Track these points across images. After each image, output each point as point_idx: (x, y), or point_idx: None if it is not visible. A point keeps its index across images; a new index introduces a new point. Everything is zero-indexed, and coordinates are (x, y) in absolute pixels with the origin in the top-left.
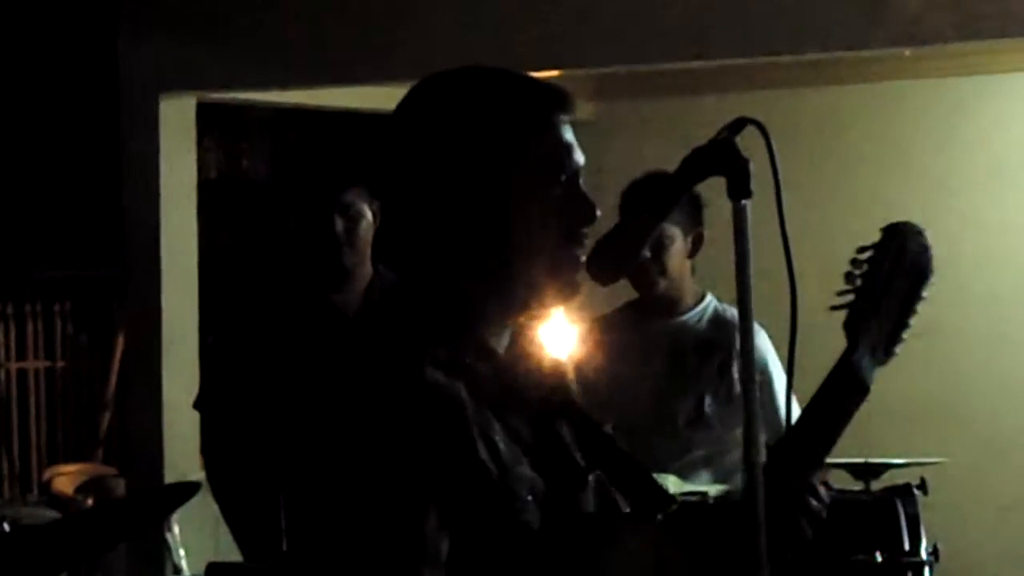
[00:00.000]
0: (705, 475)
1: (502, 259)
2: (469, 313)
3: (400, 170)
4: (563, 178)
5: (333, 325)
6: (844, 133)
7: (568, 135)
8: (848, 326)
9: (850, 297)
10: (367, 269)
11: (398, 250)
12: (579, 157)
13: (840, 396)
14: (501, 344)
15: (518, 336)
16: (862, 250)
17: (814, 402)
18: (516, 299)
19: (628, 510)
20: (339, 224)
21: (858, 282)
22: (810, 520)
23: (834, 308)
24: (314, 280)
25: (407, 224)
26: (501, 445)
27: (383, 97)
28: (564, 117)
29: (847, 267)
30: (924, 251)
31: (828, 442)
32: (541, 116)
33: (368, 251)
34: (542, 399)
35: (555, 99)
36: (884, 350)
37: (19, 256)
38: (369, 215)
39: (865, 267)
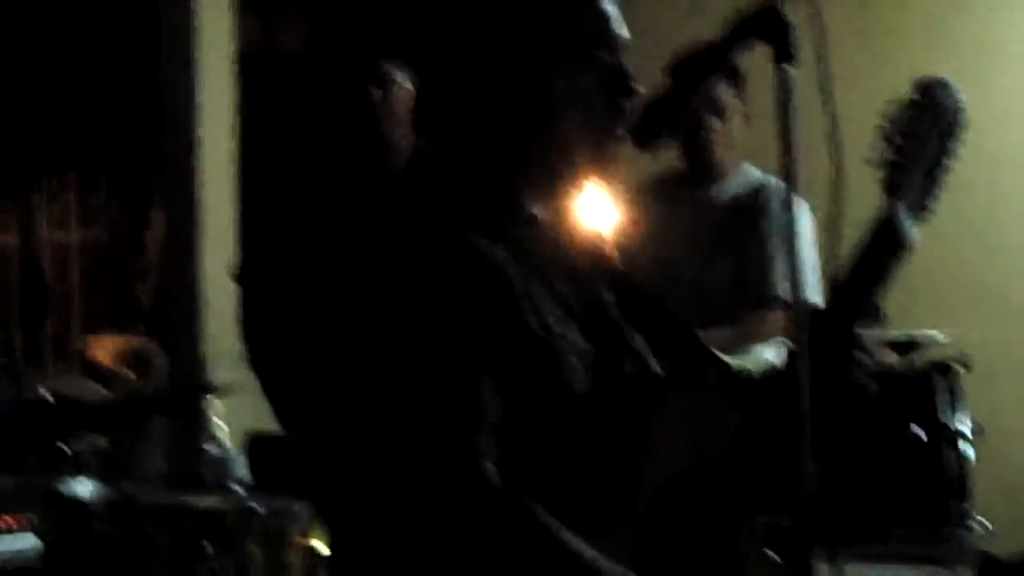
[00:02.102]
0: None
1: (542, 128)
2: (510, 181)
3: (437, 39)
4: (605, 50)
5: (373, 195)
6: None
7: (609, 7)
8: (885, 182)
9: (886, 155)
10: (407, 138)
11: (437, 119)
12: (621, 29)
13: (881, 252)
14: (542, 211)
15: (559, 203)
16: (895, 105)
17: (854, 259)
18: (556, 168)
19: (667, 373)
20: (376, 94)
21: (893, 138)
22: (860, 372)
23: (869, 166)
24: (353, 148)
25: (446, 93)
26: (545, 309)
27: None
28: None
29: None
30: (957, 105)
31: (870, 298)
32: None
33: (407, 122)
34: (584, 264)
35: None
36: (921, 205)
37: (55, 129)
38: (408, 85)
39: (899, 122)
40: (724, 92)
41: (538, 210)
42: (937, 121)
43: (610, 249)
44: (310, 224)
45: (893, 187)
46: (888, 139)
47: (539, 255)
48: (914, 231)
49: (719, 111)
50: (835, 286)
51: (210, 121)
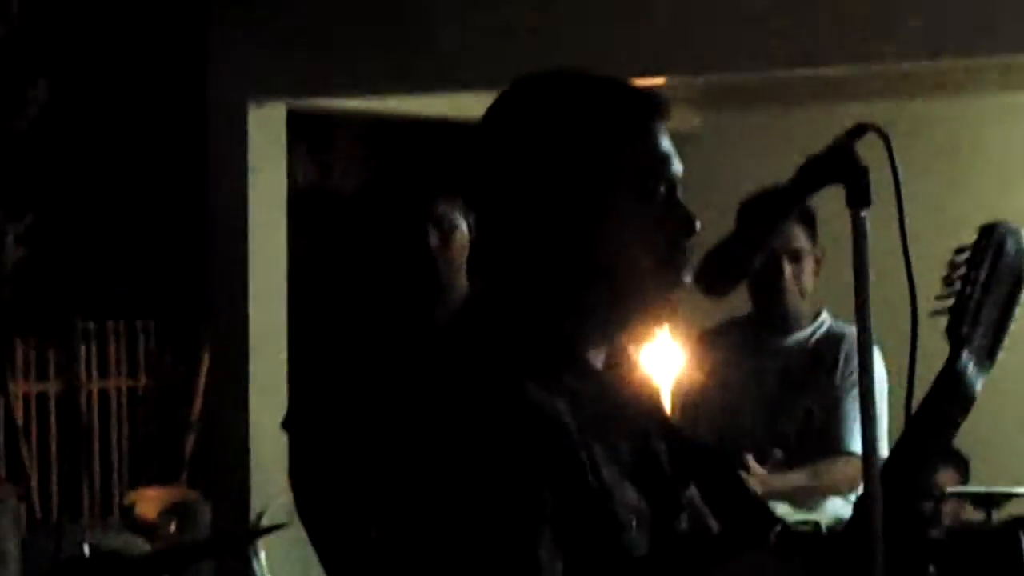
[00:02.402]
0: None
1: (599, 274)
2: (566, 329)
3: (490, 180)
4: (661, 189)
5: (429, 342)
6: (964, 144)
7: (665, 143)
8: (950, 332)
9: (950, 301)
10: (463, 283)
11: (492, 263)
12: (678, 166)
13: (945, 406)
14: (599, 361)
15: (615, 353)
16: (959, 251)
17: (919, 414)
18: (614, 316)
19: (721, 531)
20: (433, 237)
21: (957, 285)
22: (925, 525)
23: (934, 314)
24: (408, 295)
25: (500, 237)
26: (603, 467)
27: (479, 105)
28: (660, 124)
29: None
30: (1022, 251)
31: (933, 454)
32: (636, 123)
33: (464, 265)
34: (640, 418)
35: (650, 104)
36: (988, 356)
37: (101, 271)
38: (464, 227)
39: (963, 269)
40: (798, 236)
41: (595, 357)
42: (1002, 268)
43: (661, 400)
44: (363, 372)
45: (956, 336)
46: (951, 285)
47: (596, 409)
48: (979, 382)
49: (794, 256)
50: (900, 438)
51: (261, 264)
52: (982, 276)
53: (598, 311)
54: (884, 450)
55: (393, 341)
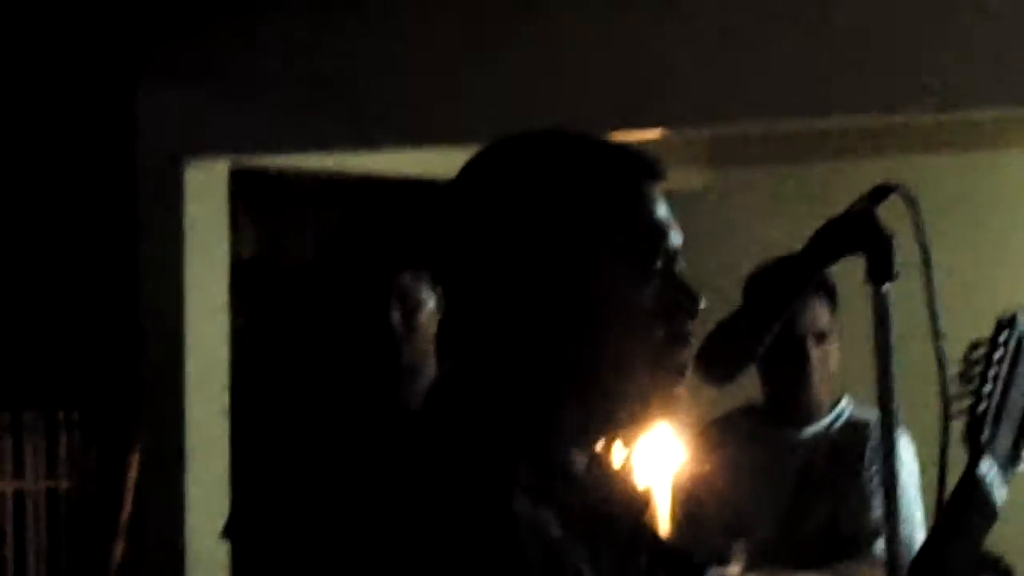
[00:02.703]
0: None
1: (587, 362)
2: (550, 427)
3: (460, 250)
4: (658, 262)
5: (393, 436)
6: (996, 203)
7: (662, 209)
8: (969, 436)
9: (966, 401)
10: (430, 367)
11: (462, 347)
12: (676, 236)
13: (967, 518)
14: (581, 462)
15: (608, 450)
16: (974, 346)
17: (938, 527)
18: (605, 412)
19: None
20: (396, 314)
21: (974, 383)
22: None
23: (947, 419)
24: (368, 381)
25: (471, 317)
26: None
27: (446, 163)
28: (655, 187)
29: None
30: None
31: (960, 571)
32: (628, 186)
33: (431, 346)
34: (625, 528)
35: (643, 165)
36: (1011, 462)
37: (16, 355)
38: (431, 303)
39: (980, 366)
40: (822, 314)
41: (578, 458)
42: (1020, 362)
43: (658, 504)
44: (317, 471)
45: (976, 441)
46: (968, 384)
47: (582, 518)
48: (1003, 491)
49: (820, 338)
50: (919, 554)
51: (200, 346)
52: (1003, 373)
53: (584, 407)
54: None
55: (351, 435)
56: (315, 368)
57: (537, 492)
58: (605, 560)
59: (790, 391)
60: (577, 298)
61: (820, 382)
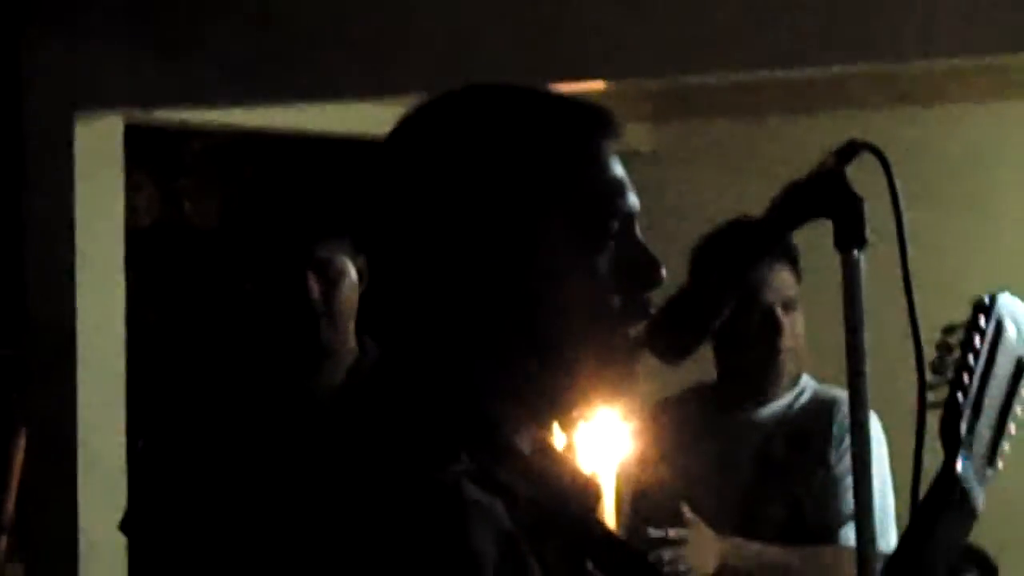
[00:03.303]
0: None
1: (534, 337)
2: (493, 408)
3: (395, 216)
4: (614, 225)
5: (308, 421)
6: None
7: (618, 168)
8: (944, 431)
9: (942, 391)
10: (350, 344)
11: (395, 319)
12: (633, 199)
13: (944, 520)
14: (526, 445)
15: (543, 433)
16: (948, 330)
17: (912, 529)
18: (553, 391)
19: None
20: (314, 287)
21: (949, 373)
22: None
23: (924, 396)
24: (282, 361)
25: (405, 288)
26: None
27: (371, 119)
28: (610, 145)
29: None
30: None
31: (936, 567)
32: (581, 144)
33: (351, 322)
34: (572, 517)
35: (597, 121)
36: (990, 459)
37: None
38: (353, 274)
39: (956, 353)
40: (789, 281)
41: (523, 442)
42: (1003, 352)
43: (604, 491)
44: (219, 459)
45: (954, 436)
46: (941, 373)
47: (530, 507)
48: (982, 490)
49: (788, 306)
50: (894, 555)
51: (93, 320)
52: (981, 362)
53: (531, 387)
54: (894, 542)
55: (263, 420)
56: (222, 346)
57: (485, 482)
58: (550, 552)
59: (758, 366)
60: (522, 265)
61: (793, 355)
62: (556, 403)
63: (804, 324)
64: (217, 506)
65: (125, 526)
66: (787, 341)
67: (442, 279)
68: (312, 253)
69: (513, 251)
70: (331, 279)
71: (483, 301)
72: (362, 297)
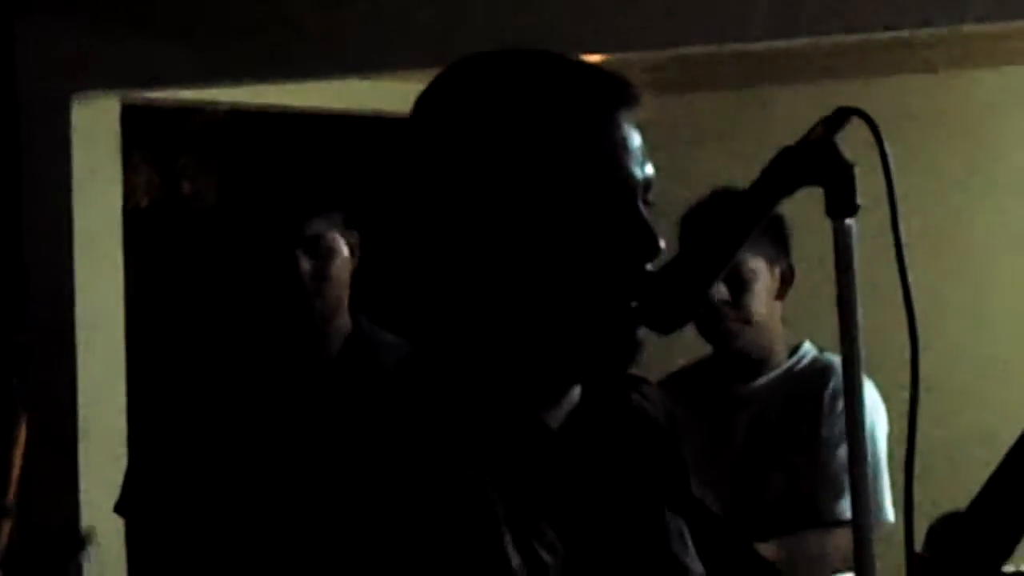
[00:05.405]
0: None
1: (534, 304)
2: (504, 379)
3: (394, 188)
4: (624, 194)
5: (302, 396)
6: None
7: (626, 137)
8: None
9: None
10: (342, 321)
11: (399, 295)
12: (639, 169)
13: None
14: (557, 417)
15: (555, 408)
16: None
17: (992, 482)
18: (563, 358)
19: None
20: (305, 264)
21: None
22: None
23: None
24: (273, 340)
25: (413, 261)
26: (545, 554)
27: (368, 95)
28: (624, 113)
29: (974, 294)
30: None
31: (1011, 536)
32: (598, 112)
33: (344, 297)
34: (633, 484)
35: (615, 90)
36: None
37: None
38: (344, 250)
39: None
40: (748, 258)
41: (552, 416)
42: None
43: (680, 458)
44: (215, 438)
45: None
46: None
47: (551, 479)
48: None
49: (738, 284)
50: (963, 523)
51: (93, 302)
52: None
53: (529, 354)
54: (888, 513)
55: (257, 396)
56: (217, 326)
57: (479, 454)
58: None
59: (724, 338)
60: (523, 229)
61: (758, 328)
62: (569, 368)
63: (786, 292)
64: (214, 485)
65: (121, 507)
66: (737, 321)
67: (453, 250)
68: (302, 230)
69: (522, 218)
70: (322, 255)
71: (492, 270)
72: (356, 273)
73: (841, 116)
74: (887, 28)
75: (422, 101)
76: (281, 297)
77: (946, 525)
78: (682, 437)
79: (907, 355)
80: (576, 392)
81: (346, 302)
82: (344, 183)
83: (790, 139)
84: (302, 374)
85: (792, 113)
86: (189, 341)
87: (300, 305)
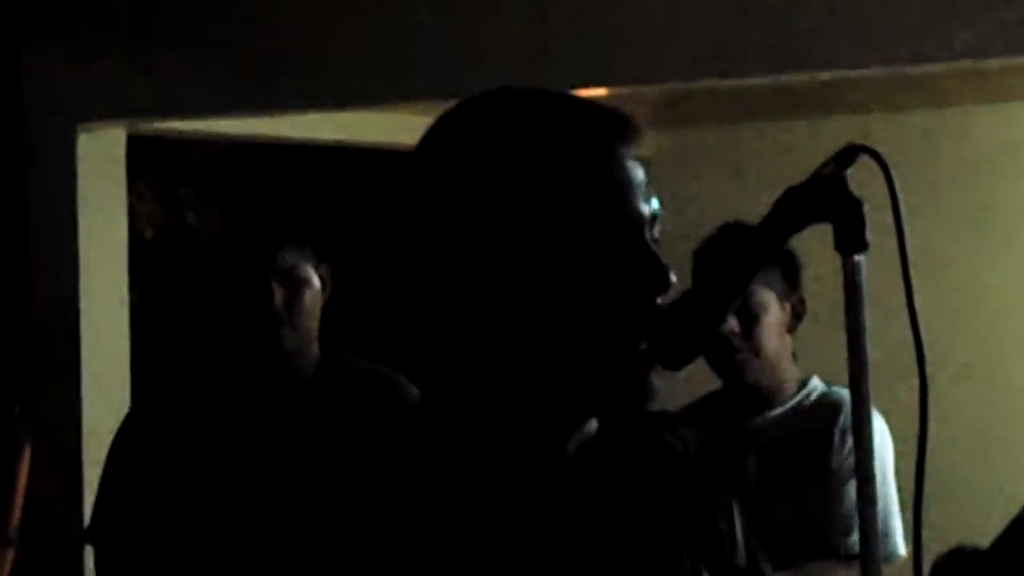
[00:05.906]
0: None
1: (535, 341)
2: (516, 417)
3: (413, 232)
4: (625, 231)
5: (272, 423)
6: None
7: (630, 172)
8: None
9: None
10: (312, 352)
11: (400, 327)
12: (645, 204)
13: None
14: (574, 444)
15: (557, 447)
16: None
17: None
18: (575, 398)
19: None
20: (278, 295)
21: None
22: None
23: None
24: (242, 370)
25: (418, 299)
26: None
27: (363, 126)
28: (625, 149)
29: (985, 327)
30: None
31: None
32: (591, 146)
33: (314, 327)
34: (647, 521)
35: (615, 126)
36: None
37: None
38: (316, 282)
39: None
40: (758, 291)
41: (575, 438)
42: None
43: (715, 483)
44: (184, 467)
45: None
46: None
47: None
48: None
49: (748, 318)
50: (991, 551)
51: (98, 332)
52: None
53: (531, 394)
54: (900, 547)
55: (228, 421)
56: (203, 357)
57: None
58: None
59: (734, 372)
60: (531, 270)
61: (767, 361)
62: (563, 411)
63: (796, 325)
64: (183, 512)
65: (90, 535)
66: (746, 354)
67: (460, 287)
68: (275, 261)
69: (521, 252)
70: (294, 287)
71: (504, 310)
72: (325, 307)
73: (851, 153)
74: (886, 64)
75: (425, 142)
76: (253, 325)
77: (952, 560)
78: (717, 480)
79: (912, 367)
80: (592, 425)
81: (315, 330)
82: (331, 214)
83: (793, 172)
84: (274, 401)
85: (795, 146)
86: (192, 370)
87: (271, 333)
